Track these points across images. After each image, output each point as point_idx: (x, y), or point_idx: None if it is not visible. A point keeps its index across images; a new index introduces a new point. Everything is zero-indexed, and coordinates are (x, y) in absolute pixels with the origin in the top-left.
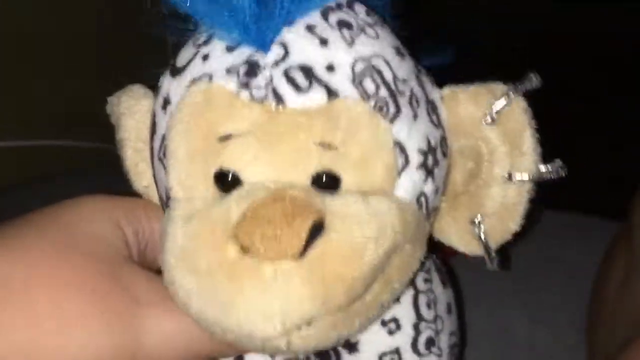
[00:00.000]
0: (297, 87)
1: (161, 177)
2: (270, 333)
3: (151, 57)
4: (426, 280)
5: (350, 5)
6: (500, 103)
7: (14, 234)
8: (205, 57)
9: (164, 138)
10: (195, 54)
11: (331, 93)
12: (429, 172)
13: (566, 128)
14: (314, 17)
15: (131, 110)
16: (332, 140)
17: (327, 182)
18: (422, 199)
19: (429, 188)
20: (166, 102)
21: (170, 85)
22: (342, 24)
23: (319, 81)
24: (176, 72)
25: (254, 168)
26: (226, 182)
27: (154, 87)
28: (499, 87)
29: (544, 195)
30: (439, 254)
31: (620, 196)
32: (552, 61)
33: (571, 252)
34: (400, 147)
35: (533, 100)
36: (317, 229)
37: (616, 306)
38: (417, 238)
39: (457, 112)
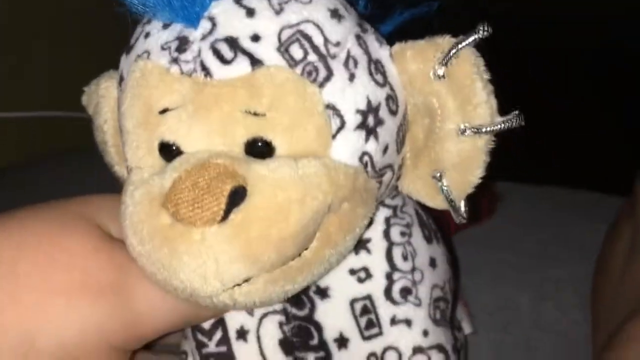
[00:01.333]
0: (222, 58)
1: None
2: (210, 291)
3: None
4: (403, 234)
5: None
6: (447, 57)
7: (16, 216)
8: (147, 35)
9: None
10: (140, 32)
11: (255, 62)
12: (370, 131)
13: (575, 108)
14: None
15: (109, 91)
16: (257, 108)
17: (259, 149)
18: (366, 158)
19: (372, 147)
20: (121, 79)
21: (123, 63)
22: None
23: (244, 51)
24: (127, 50)
25: (189, 139)
26: (170, 151)
27: None
28: (446, 40)
29: (548, 171)
30: (446, 227)
31: (626, 171)
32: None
33: (576, 227)
34: (334, 109)
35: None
36: (239, 194)
37: (620, 281)
38: (355, 197)
39: (406, 69)
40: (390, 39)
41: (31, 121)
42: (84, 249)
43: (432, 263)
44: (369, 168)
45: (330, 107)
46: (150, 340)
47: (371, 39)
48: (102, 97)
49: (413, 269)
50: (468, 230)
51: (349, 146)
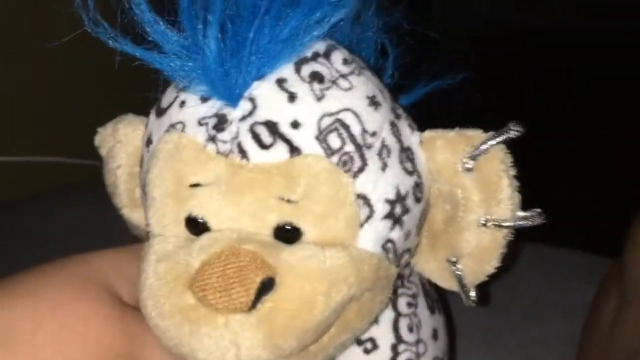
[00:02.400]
0: (260, 143)
1: (145, 205)
2: None
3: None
4: (410, 305)
5: (327, 54)
6: (476, 152)
7: (21, 281)
8: (182, 104)
9: (146, 172)
10: (175, 99)
11: (294, 150)
12: (396, 220)
13: (563, 160)
14: (286, 70)
15: (128, 137)
16: (292, 196)
17: (288, 234)
18: (389, 245)
19: (396, 234)
20: (149, 141)
21: (153, 125)
22: (314, 77)
23: (283, 137)
24: (159, 113)
25: (219, 217)
26: (196, 226)
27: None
28: (477, 134)
29: (538, 231)
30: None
31: (615, 233)
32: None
33: (562, 287)
34: (365, 200)
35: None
36: (268, 284)
37: (607, 342)
38: (377, 285)
39: (435, 158)
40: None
41: (12, 164)
42: (96, 317)
43: (435, 335)
44: (391, 254)
45: (361, 197)
46: None
47: (404, 126)
48: (119, 142)
49: (418, 342)
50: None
51: (375, 236)
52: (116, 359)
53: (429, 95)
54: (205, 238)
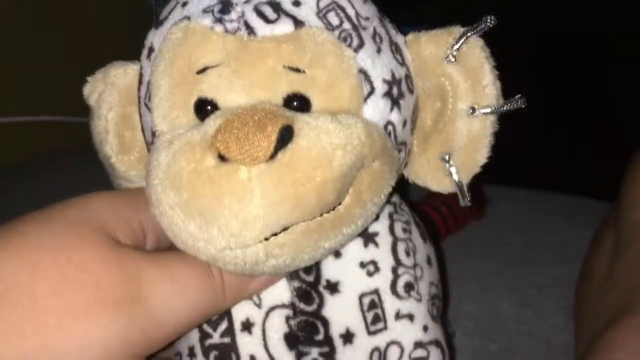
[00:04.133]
0: (266, 18)
1: (147, 121)
2: (249, 236)
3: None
4: (405, 230)
5: None
6: (459, 42)
7: (20, 231)
8: (184, 4)
9: (149, 83)
10: (176, 4)
11: (298, 23)
12: (394, 101)
13: (562, 112)
14: None
15: (119, 78)
16: (299, 63)
17: (297, 104)
18: (390, 127)
19: (395, 117)
20: (150, 51)
21: (154, 36)
22: None
23: (286, 13)
24: (159, 23)
25: (229, 94)
26: (205, 110)
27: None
28: (457, 29)
29: (535, 177)
30: (440, 234)
31: (611, 177)
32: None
33: (559, 232)
34: (365, 75)
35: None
36: (287, 134)
37: (602, 287)
38: (385, 157)
39: (420, 54)
40: None
41: (16, 125)
42: (94, 262)
43: (429, 261)
44: (392, 138)
45: (362, 72)
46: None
47: (389, 25)
48: (111, 84)
49: (415, 265)
50: (454, 235)
51: (377, 111)
52: (116, 302)
53: None
54: (218, 112)
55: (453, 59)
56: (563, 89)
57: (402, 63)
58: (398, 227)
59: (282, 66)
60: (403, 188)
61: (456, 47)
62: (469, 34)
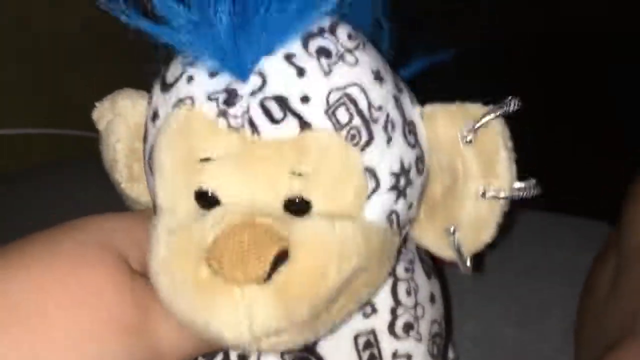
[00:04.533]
0: (271, 118)
1: (149, 181)
2: (240, 342)
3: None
4: (407, 270)
5: (332, 30)
6: (476, 125)
7: (30, 251)
8: (190, 79)
9: (152, 149)
10: (182, 74)
11: (304, 124)
12: (400, 192)
13: (563, 130)
14: (294, 45)
15: (128, 111)
16: (302, 170)
17: (298, 206)
18: (393, 216)
19: (400, 206)
20: (155, 116)
21: (159, 99)
22: (321, 52)
23: (293, 112)
24: (165, 88)
25: (230, 190)
26: (206, 201)
27: (145, 88)
28: (477, 108)
29: (537, 198)
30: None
31: (614, 197)
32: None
33: (562, 254)
34: (371, 172)
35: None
36: (282, 256)
37: (604, 308)
38: (383, 255)
39: (435, 131)
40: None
41: (17, 137)
42: (107, 286)
43: (432, 298)
44: (395, 225)
45: (368, 170)
46: None
47: (406, 100)
48: (119, 115)
49: (416, 305)
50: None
51: (381, 207)
52: (126, 330)
53: (424, 71)
54: (218, 211)
55: (469, 140)
56: (564, 89)
57: (414, 144)
58: (400, 267)
59: (285, 171)
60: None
61: (474, 128)
62: (488, 117)
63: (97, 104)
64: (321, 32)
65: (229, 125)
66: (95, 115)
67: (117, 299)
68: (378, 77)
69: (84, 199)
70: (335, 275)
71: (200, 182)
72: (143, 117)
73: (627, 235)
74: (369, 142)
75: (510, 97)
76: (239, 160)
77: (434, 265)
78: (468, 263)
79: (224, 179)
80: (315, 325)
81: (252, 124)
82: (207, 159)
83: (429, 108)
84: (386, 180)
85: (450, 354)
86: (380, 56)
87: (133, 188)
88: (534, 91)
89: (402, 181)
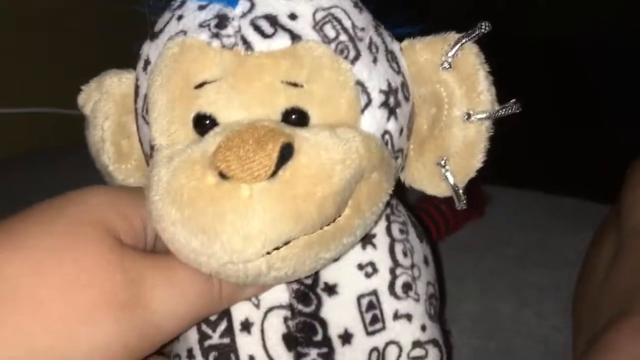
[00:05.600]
0: (263, 33)
1: (145, 133)
2: (251, 252)
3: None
4: (402, 231)
5: None
6: (454, 48)
7: (20, 229)
8: (180, 17)
9: (145, 96)
10: (171, 17)
11: (295, 37)
12: (391, 111)
13: (562, 115)
14: None
15: (114, 87)
16: (297, 78)
17: (296, 119)
18: (387, 136)
19: (392, 126)
20: (146, 64)
21: (149, 48)
22: None
23: (283, 27)
24: (154, 35)
25: (228, 110)
26: (204, 125)
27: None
28: (452, 35)
29: (537, 178)
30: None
31: (612, 179)
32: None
33: (558, 233)
34: (362, 87)
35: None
36: (287, 152)
37: (602, 288)
38: (383, 168)
39: (416, 61)
40: None
41: (16, 117)
42: (98, 265)
43: (426, 260)
44: (389, 147)
45: (359, 83)
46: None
47: (385, 33)
48: (106, 92)
49: (412, 265)
50: (454, 235)
51: (374, 122)
52: (119, 306)
53: None
54: (217, 127)
55: (448, 66)
56: (562, 88)
57: (398, 71)
58: (395, 229)
59: (280, 81)
60: (400, 189)
61: (451, 53)
62: (463, 41)
63: (82, 88)
64: None
65: (223, 45)
66: (81, 99)
67: (108, 277)
68: (358, 5)
69: (76, 183)
70: (340, 174)
71: (198, 106)
72: (130, 88)
73: (627, 216)
74: (356, 57)
75: (481, 22)
76: (234, 77)
77: (424, 231)
78: (462, 195)
79: (221, 100)
80: (323, 237)
81: (244, 40)
82: (202, 84)
83: (406, 42)
84: (376, 97)
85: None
86: None
87: (121, 169)
88: (530, 91)
89: (392, 100)
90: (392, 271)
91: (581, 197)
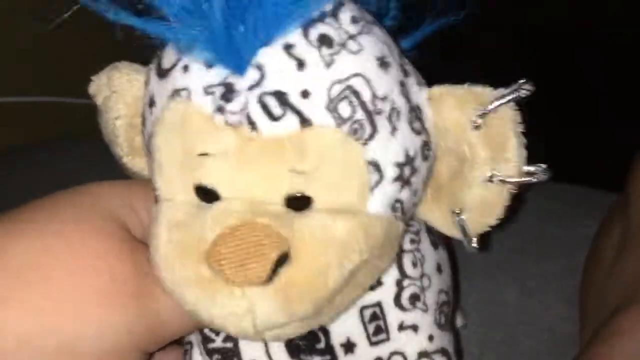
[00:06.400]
0: (270, 114)
1: (149, 164)
2: (243, 335)
3: None
4: (413, 241)
5: (335, 13)
6: (485, 111)
7: (30, 217)
8: (186, 69)
9: (150, 135)
10: (177, 61)
11: (304, 121)
12: (405, 181)
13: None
14: (294, 34)
15: (124, 88)
16: (302, 167)
17: (299, 203)
18: (398, 205)
19: (404, 195)
20: (152, 102)
21: (155, 86)
22: (323, 41)
23: (293, 108)
24: (161, 74)
25: (229, 187)
26: (205, 194)
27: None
28: (487, 93)
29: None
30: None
31: (618, 167)
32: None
33: (563, 222)
34: (375, 165)
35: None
36: (283, 258)
37: (609, 276)
38: (387, 245)
39: (442, 115)
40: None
41: (32, 105)
42: (109, 252)
43: (439, 268)
44: (399, 213)
45: (371, 163)
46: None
47: (412, 83)
48: (115, 92)
49: (422, 276)
50: None
51: (384, 198)
52: (128, 294)
53: (433, 39)
54: (217, 209)
55: (478, 126)
56: (567, 77)
57: (421, 130)
58: (406, 239)
59: (285, 169)
60: None
61: (483, 114)
62: (498, 102)
63: (92, 78)
64: (322, 17)
65: (227, 122)
66: (92, 89)
67: (119, 264)
68: (383, 63)
69: (83, 174)
70: (337, 273)
71: (200, 177)
72: (140, 91)
73: (634, 204)
74: (372, 136)
75: (521, 81)
76: (237, 157)
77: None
78: (474, 243)
79: (223, 176)
80: (318, 317)
81: (250, 121)
82: (205, 154)
83: (435, 90)
84: (390, 172)
85: (459, 322)
86: (386, 37)
87: (135, 162)
88: (536, 79)
89: (407, 171)
90: (399, 283)
91: (585, 185)
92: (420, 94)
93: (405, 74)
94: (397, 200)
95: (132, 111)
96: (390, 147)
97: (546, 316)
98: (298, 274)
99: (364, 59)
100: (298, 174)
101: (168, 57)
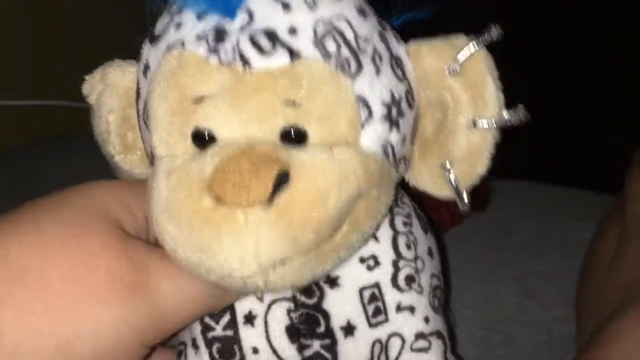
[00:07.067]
0: (261, 50)
1: (146, 136)
2: (247, 273)
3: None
4: (405, 224)
5: None
6: (461, 55)
7: (27, 218)
8: (178, 25)
9: (145, 102)
10: (170, 22)
11: (294, 54)
12: (393, 122)
13: (569, 104)
14: None
15: (118, 80)
16: (295, 98)
17: (294, 137)
18: (389, 148)
19: (394, 137)
20: (146, 68)
21: (149, 52)
22: None
23: (282, 44)
24: (154, 39)
25: (226, 127)
26: (203, 140)
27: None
28: (460, 39)
29: (540, 168)
30: (443, 224)
31: (612, 168)
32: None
33: (562, 224)
34: (363, 101)
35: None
36: (283, 178)
37: (606, 278)
38: (382, 184)
39: (422, 65)
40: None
41: (31, 108)
42: (104, 249)
43: (430, 252)
44: (390, 158)
45: (360, 98)
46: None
47: (390, 36)
48: (109, 85)
49: (416, 258)
50: (457, 225)
51: (375, 136)
52: (126, 288)
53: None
54: (215, 146)
55: (455, 71)
56: (561, 78)
57: (403, 78)
58: (399, 221)
59: (278, 101)
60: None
61: (459, 60)
62: (471, 47)
63: (86, 78)
64: None
65: (220, 62)
66: (85, 88)
67: (114, 261)
68: (362, 12)
69: (81, 173)
70: (336, 197)
71: (196, 122)
72: (133, 82)
73: (632, 206)
74: (358, 71)
75: (491, 25)
76: (232, 95)
77: (430, 222)
78: (465, 199)
79: (219, 117)
80: (320, 255)
81: (242, 57)
82: (200, 99)
83: (413, 44)
84: (378, 110)
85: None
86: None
87: (126, 159)
88: (535, 82)
89: (394, 111)
90: (395, 264)
91: (583, 187)
92: (399, 47)
93: (383, 27)
94: (388, 143)
95: (125, 103)
96: (376, 85)
97: (545, 317)
98: (299, 193)
99: (343, 6)
100: (291, 106)
101: (160, 23)
